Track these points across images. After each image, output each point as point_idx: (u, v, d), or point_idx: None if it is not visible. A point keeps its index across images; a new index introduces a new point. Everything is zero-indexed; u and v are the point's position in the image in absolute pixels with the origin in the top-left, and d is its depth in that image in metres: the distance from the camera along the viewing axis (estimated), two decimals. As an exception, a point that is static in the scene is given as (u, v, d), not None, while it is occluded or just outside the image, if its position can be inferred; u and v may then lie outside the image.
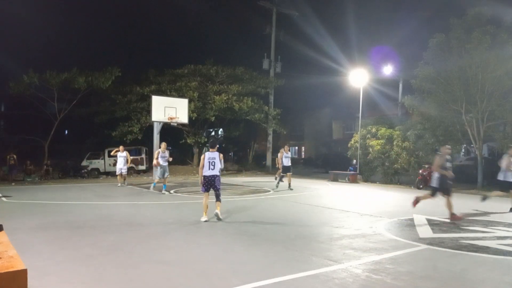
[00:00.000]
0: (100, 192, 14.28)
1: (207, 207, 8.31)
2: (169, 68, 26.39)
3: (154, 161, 13.80)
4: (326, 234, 7.34)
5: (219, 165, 8.33)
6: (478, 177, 17.05)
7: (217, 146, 8.71)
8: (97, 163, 23.41)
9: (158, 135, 20.04)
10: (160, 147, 14.15)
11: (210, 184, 8.26)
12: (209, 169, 8.20)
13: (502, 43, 15.77)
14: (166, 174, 13.93)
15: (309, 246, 6.30)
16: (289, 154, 15.75)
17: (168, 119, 19.62)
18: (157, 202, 11.73)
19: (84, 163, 23.39)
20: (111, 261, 5.34)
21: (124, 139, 23.25)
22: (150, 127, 21.99)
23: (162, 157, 13.63)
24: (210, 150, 8.43)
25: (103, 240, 6.53)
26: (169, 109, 19.57)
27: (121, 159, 16.27)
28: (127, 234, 7.05)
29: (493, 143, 20.29)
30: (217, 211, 8.33)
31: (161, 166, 13.64)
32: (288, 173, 15.30)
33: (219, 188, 8.38)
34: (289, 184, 15.25)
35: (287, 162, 15.22)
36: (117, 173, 16.55)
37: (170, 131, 27.34)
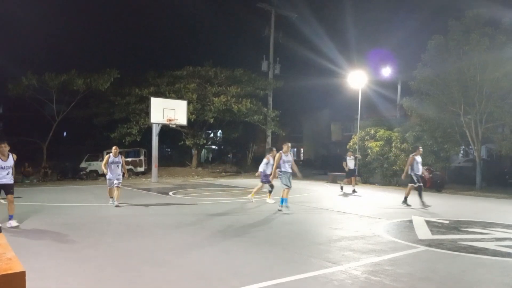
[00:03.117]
0: (99, 194, 14.25)
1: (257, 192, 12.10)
2: (168, 70, 26.44)
3: (274, 169, 10.31)
4: (325, 235, 7.33)
5: (262, 166, 11.92)
6: (476, 178, 17.07)
7: (272, 150, 12.01)
8: (96, 165, 23.37)
9: (157, 137, 20.08)
10: (282, 148, 10.23)
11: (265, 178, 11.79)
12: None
13: (501, 44, 15.82)
14: (285, 186, 10.11)
15: (308, 247, 6.29)
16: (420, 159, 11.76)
17: (167, 121, 19.65)
18: (156, 204, 11.72)
19: (83, 164, 23.35)
20: (110, 263, 5.33)
21: (123, 140, 23.24)
22: (149, 128, 22.01)
23: (286, 161, 10.06)
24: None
25: (102, 242, 6.52)
26: (168, 110, 19.60)
27: (114, 167, 10.85)
28: (126, 236, 7.04)
29: (492, 144, 20.34)
30: (268, 200, 11.82)
31: (284, 173, 10.04)
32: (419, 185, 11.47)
33: (265, 182, 11.84)
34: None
35: (419, 170, 11.49)
36: (108, 186, 11.10)
37: (169, 133, 27.39)
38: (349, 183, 15.53)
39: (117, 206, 10.60)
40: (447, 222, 8.75)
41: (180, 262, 5.43)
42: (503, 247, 6.38)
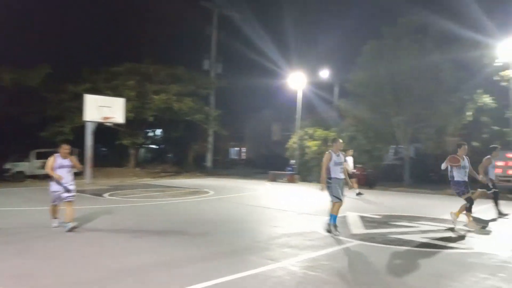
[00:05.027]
0: (28, 197, 13.29)
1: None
2: (105, 66, 25.31)
3: (323, 173, 7.28)
4: (265, 233, 7.45)
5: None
6: (404, 175, 18.31)
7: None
8: (23, 166, 21.74)
9: (92, 136, 19.13)
10: (333, 146, 7.54)
11: None
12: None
13: (428, 50, 17.05)
14: (335, 199, 7.26)
15: (248, 246, 6.36)
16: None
17: (103, 119, 18.79)
18: (91, 206, 11.15)
19: (7, 165, 21.60)
20: (43, 270, 5.00)
21: (55, 139, 21.87)
22: (84, 127, 20.89)
23: (337, 163, 7.32)
24: None
25: (34, 249, 6.09)
26: (104, 108, 18.75)
27: (63, 173, 7.54)
28: (61, 242, 6.63)
29: (419, 144, 21.87)
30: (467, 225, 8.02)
31: (335, 181, 7.23)
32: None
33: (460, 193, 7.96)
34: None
35: (493, 174, 9.56)
36: (52, 201, 7.72)
37: (105, 131, 26.14)
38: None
39: (70, 229, 7.30)
40: (379, 217, 9.28)
41: (117, 267, 5.23)
42: (427, 239, 6.91)
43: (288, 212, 10.05)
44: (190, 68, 26.99)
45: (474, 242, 6.76)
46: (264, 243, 6.54)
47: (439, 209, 10.78)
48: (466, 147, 8.03)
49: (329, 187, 7.22)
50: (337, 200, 7.16)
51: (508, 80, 15.53)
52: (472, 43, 16.32)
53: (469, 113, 17.08)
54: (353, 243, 6.56)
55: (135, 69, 24.85)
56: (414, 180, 18.56)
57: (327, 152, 7.42)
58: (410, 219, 8.98)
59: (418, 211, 10.43)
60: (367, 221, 8.65)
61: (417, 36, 17.39)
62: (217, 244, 6.46)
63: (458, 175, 7.81)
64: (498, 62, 15.77)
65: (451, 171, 7.92)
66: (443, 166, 8.18)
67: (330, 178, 7.21)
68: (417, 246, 6.39)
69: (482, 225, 8.09)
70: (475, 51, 16.22)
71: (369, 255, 5.84)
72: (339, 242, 6.65)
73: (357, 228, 7.90)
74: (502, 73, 15.83)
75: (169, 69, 25.83)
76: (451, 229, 7.74)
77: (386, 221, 8.79)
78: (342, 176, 7.33)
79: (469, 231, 7.55)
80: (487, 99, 17.15)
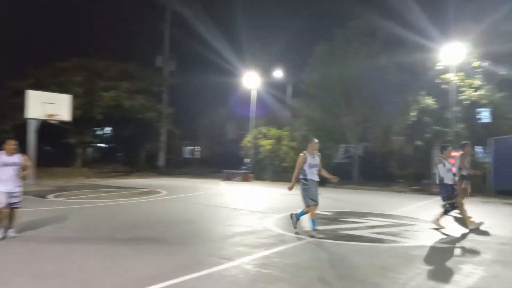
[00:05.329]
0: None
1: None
2: (51, 61, 24.05)
3: (295, 174, 7.25)
4: (219, 232, 7.43)
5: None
6: (353, 173, 19.00)
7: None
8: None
9: (35, 134, 18.12)
10: (308, 147, 7.40)
11: None
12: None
13: (376, 53, 17.82)
14: (312, 202, 7.10)
15: (202, 246, 6.30)
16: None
17: (47, 117, 17.83)
18: (34, 209, 10.53)
19: None
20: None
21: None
22: (27, 125, 19.73)
23: (313, 165, 7.16)
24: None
25: (-37, 255, 5.64)
26: (49, 105, 17.79)
27: (6, 172, 6.59)
28: (-5, 246, 6.20)
29: (368, 143, 22.78)
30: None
31: (311, 183, 7.07)
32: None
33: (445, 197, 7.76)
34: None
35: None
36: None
37: (50, 129, 24.83)
38: None
39: (13, 236, 6.63)
40: (330, 213, 9.56)
41: (62, 271, 4.97)
42: (375, 234, 7.21)
43: (241, 211, 10.09)
44: (142, 65, 26.35)
45: (418, 236, 7.16)
46: (218, 243, 6.52)
47: (386, 205, 11.31)
48: (451, 148, 8.00)
49: (305, 189, 7.03)
50: (314, 203, 7.00)
51: (448, 83, 16.57)
52: (417, 47, 17.27)
53: (413, 113, 18.04)
54: (305, 240, 6.70)
55: (83, 65, 23.89)
56: (363, 177, 19.31)
57: (301, 154, 7.23)
58: (359, 215, 9.33)
59: (367, 207, 10.87)
60: (318, 218, 8.82)
61: (365, 39, 18.11)
62: (170, 245, 6.34)
63: (447, 179, 7.69)
64: (440, 66, 16.79)
65: (440, 174, 7.75)
66: (443, 174, 7.76)
67: (306, 180, 7.02)
68: (365, 241, 6.65)
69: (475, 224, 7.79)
70: (419, 55, 17.18)
71: (320, 251, 6.00)
72: (291, 239, 6.78)
73: (309, 225, 8.04)
74: (442, 76, 16.85)
75: (120, 65, 25.07)
76: (476, 230, 7.52)
77: (337, 217, 9.08)
78: (317, 178, 7.13)
79: (437, 228, 7.65)
80: (429, 101, 18.20)
